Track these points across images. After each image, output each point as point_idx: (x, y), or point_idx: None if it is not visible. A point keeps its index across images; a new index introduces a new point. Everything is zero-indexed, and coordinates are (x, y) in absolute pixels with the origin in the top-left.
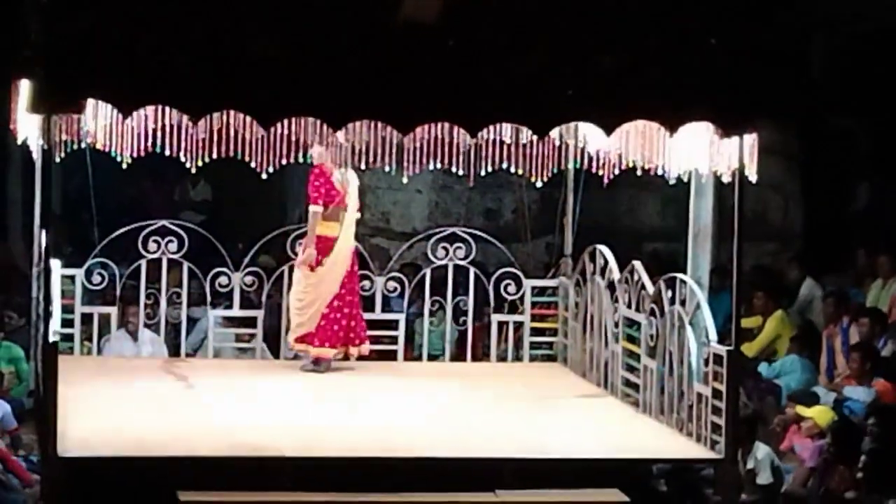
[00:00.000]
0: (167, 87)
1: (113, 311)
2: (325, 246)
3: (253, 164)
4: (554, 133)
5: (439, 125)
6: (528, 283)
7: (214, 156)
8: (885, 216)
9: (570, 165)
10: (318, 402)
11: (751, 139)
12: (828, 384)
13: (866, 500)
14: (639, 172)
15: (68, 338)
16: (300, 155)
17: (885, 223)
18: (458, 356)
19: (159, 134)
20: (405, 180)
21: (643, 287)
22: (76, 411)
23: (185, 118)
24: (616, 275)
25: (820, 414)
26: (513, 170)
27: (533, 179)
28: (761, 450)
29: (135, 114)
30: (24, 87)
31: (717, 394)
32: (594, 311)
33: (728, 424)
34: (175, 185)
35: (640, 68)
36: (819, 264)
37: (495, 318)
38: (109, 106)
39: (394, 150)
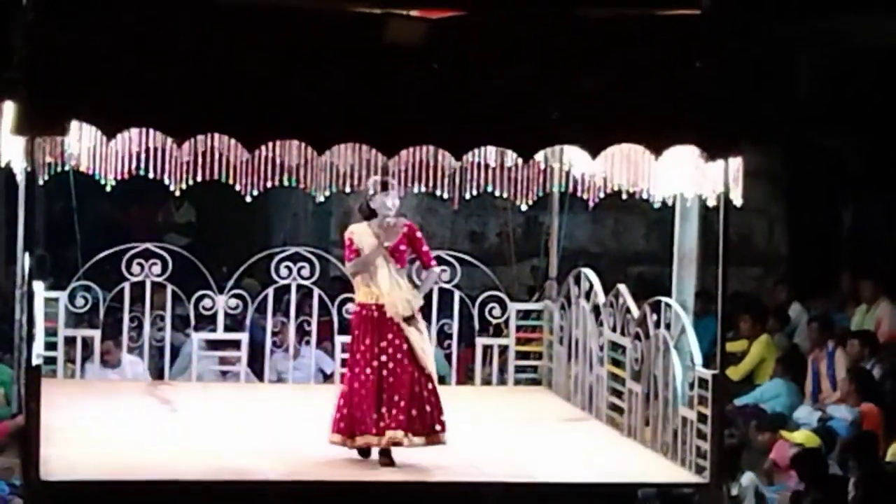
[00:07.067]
0: (151, 110)
1: (96, 334)
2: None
3: (237, 187)
4: (539, 156)
5: (424, 148)
6: (513, 307)
7: (199, 178)
8: (870, 239)
9: (555, 189)
10: (302, 426)
11: (736, 163)
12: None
13: None
14: (624, 196)
15: (51, 361)
16: (284, 178)
17: (871, 246)
18: (443, 380)
19: (143, 156)
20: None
21: (628, 311)
22: (59, 434)
23: (169, 141)
24: (601, 298)
25: (807, 439)
26: (497, 193)
27: (518, 203)
28: (746, 476)
29: (119, 136)
30: (8, 109)
31: (702, 418)
32: (579, 335)
33: (713, 449)
34: (159, 208)
35: (626, 92)
36: (804, 288)
37: (480, 341)
38: (93, 128)
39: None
